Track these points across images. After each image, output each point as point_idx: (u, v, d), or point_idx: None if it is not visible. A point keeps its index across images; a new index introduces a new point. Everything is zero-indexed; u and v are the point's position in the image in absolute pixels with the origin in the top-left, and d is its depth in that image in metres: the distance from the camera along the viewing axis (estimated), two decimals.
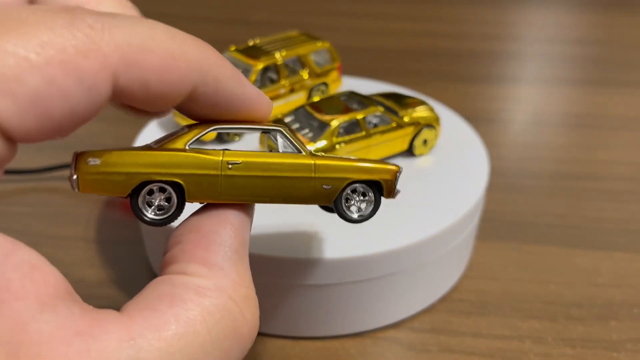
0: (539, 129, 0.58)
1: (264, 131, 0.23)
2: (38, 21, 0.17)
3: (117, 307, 0.18)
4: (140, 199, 0.21)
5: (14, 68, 0.16)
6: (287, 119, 0.38)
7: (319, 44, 0.42)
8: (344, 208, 0.24)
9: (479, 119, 0.53)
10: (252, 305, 0.19)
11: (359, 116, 0.37)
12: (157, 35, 0.19)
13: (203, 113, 0.22)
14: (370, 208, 0.25)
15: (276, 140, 0.24)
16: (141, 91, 0.19)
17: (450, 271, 0.36)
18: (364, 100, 0.38)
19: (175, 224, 0.22)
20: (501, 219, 0.44)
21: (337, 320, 0.34)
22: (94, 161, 0.20)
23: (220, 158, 0.21)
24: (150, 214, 0.21)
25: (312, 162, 0.23)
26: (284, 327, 0.34)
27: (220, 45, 0.26)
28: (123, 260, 0.40)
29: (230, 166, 0.22)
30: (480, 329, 0.35)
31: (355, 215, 0.24)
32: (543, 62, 0.74)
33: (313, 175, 0.23)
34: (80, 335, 0.15)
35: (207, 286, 0.18)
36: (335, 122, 0.36)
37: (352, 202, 0.24)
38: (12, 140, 0.17)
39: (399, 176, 0.25)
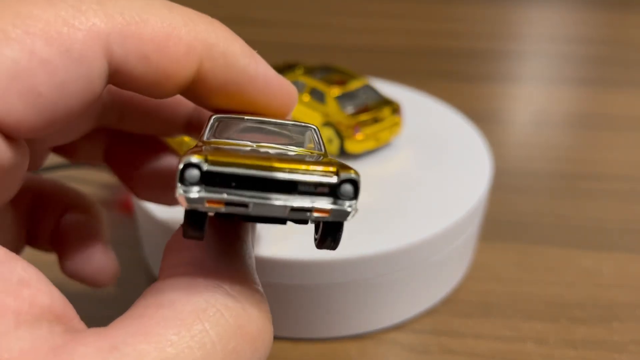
0: (542, 129, 0.58)
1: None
2: None
3: (116, 308, 0.17)
4: None
5: None
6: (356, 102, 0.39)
7: None
8: None
9: (481, 118, 0.53)
10: (257, 301, 0.17)
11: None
12: (153, 5, 0.17)
13: (215, 100, 0.20)
14: None
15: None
16: (141, 66, 0.17)
17: (452, 272, 0.36)
18: (335, 69, 0.42)
19: None
20: (503, 219, 0.44)
21: (338, 322, 0.33)
22: None
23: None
24: None
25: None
26: (284, 328, 0.33)
27: None
28: (122, 260, 0.39)
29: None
30: (482, 330, 0.35)
31: None
32: (546, 61, 0.74)
33: None
34: (54, 350, 0.14)
35: (199, 283, 0.16)
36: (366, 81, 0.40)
37: None
38: (6, 133, 0.15)
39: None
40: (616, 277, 0.39)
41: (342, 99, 0.39)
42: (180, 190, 0.15)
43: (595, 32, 0.82)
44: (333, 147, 0.38)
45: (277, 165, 0.16)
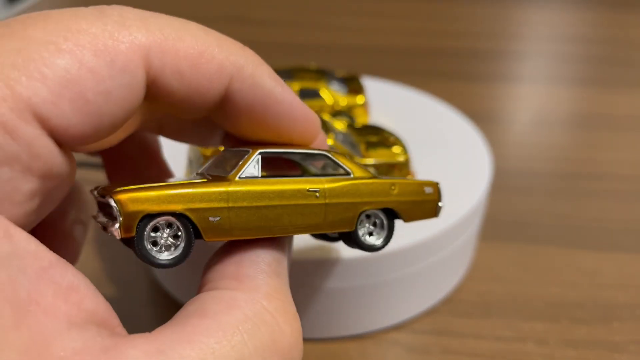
0: (542, 129, 0.58)
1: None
2: (66, 13, 0.17)
3: (117, 307, 0.18)
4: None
5: (42, 52, 0.16)
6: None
7: None
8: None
9: (481, 118, 0.53)
10: (290, 319, 0.19)
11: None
12: (190, 27, 0.19)
13: (242, 123, 0.21)
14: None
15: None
16: (175, 81, 0.18)
17: (452, 272, 0.36)
18: (290, 70, 0.40)
19: None
20: (503, 219, 0.44)
21: (338, 322, 0.33)
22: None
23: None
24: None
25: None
26: None
27: None
28: (122, 260, 0.40)
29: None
30: (482, 331, 0.35)
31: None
32: (546, 61, 0.74)
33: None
34: (106, 352, 0.15)
35: (239, 297, 0.18)
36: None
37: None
38: (58, 139, 0.16)
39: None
40: (616, 277, 0.39)
41: (331, 88, 0.40)
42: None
43: (595, 32, 0.82)
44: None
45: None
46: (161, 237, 0.19)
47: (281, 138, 0.22)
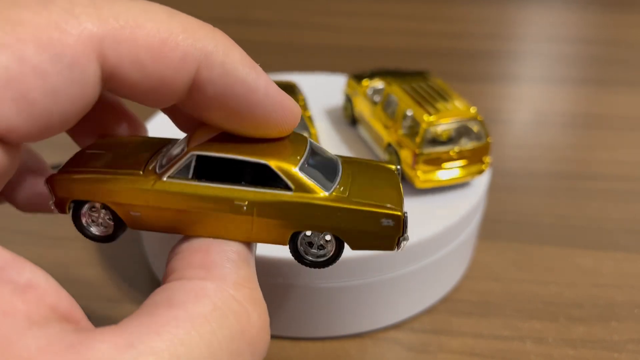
0: (541, 129, 0.58)
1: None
2: (7, 2, 0.15)
3: (117, 307, 0.17)
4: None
5: None
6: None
7: None
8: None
9: None
10: (258, 306, 0.18)
11: None
12: (150, 10, 0.17)
13: (213, 113, 0.19)
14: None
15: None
16: (136, 73, 0.17)
17: (451, 271, 0.36)
18: None
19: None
20: (502, 219, 0.44)
21: (338, 321, 0.33)
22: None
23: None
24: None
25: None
26: (284, 327, 0.34)
27: None
28: (122, 260, 0.40)
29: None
30: (481, 330, 0.35)
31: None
32: (545, 61, 0.74)
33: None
34: (72, 347, 0.14)
35: (207, 286, 0.17)
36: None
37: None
38: (0, 139, 0.15)
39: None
40: (615, 276, 0.39)
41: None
42: None
43: (594, 32, 0.82)
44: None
45: None
46: (97, 217, 0.21)
47: (257, 129, 0.19)
